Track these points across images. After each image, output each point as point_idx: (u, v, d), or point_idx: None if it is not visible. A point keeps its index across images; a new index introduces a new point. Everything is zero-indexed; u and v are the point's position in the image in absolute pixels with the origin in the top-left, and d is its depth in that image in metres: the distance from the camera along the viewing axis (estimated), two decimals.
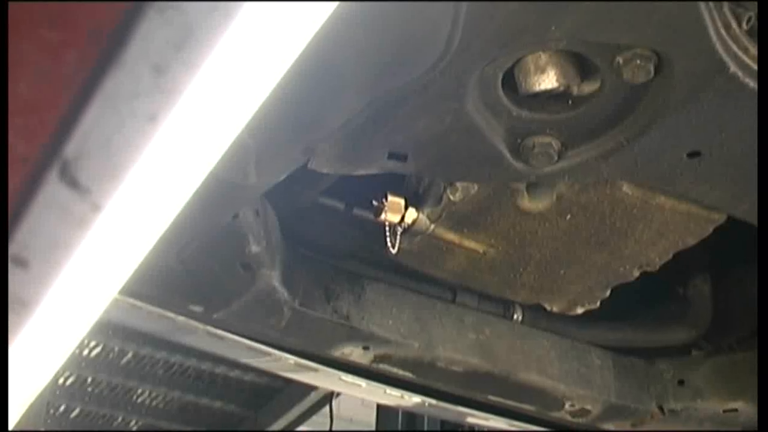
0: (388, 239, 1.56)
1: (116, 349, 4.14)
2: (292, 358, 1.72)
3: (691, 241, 1.44)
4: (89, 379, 4.40)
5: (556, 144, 1.23)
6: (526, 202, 1.49)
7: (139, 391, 4.53)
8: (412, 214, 1.55)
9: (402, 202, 1.54)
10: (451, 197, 1.47)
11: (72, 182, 0.48)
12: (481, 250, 1.59)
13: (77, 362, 4.12)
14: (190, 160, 0.56)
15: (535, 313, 1.82)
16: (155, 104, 0.45)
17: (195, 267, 1.44)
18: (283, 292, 1.56)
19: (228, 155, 0.61)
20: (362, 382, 1.77)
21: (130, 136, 0.46)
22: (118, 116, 0.45)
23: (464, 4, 0.91)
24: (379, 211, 1.55)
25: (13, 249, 0.51)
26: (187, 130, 0.51)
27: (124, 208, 0.53)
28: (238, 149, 1.08)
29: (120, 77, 0.43)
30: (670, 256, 1.49)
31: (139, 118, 0.45)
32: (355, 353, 1.69)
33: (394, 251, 1.58)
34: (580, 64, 1.15)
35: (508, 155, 1.24)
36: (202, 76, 0.45)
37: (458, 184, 1.46)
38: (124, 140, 0.46)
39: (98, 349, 4.15)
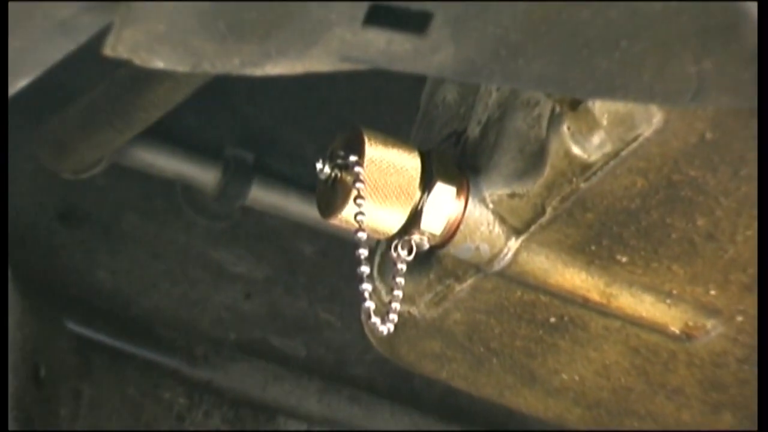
0: (364, 289, 1.43)
1: None
2: None
3: None
4: None
5: None
6: None
7: None
8: (443, 207, 1.48)
9: (413, 169, 1.45)
10: (580, 153, 1.44)
11: None
12: (676, 329, 1.58)
13: None
14: None
15: None
16: None
17: None
18: None
19: None
20: None
21: None
22: None
23: None
24: (336, 195, 1.45)
25: None
26: None
27: None
28: None
29: None
30: None
31: None
32: None
33: (383, 329, 1.46)
34: None
35: None
36: None
37: (604, 116, 1.43)
38: None
39: None
